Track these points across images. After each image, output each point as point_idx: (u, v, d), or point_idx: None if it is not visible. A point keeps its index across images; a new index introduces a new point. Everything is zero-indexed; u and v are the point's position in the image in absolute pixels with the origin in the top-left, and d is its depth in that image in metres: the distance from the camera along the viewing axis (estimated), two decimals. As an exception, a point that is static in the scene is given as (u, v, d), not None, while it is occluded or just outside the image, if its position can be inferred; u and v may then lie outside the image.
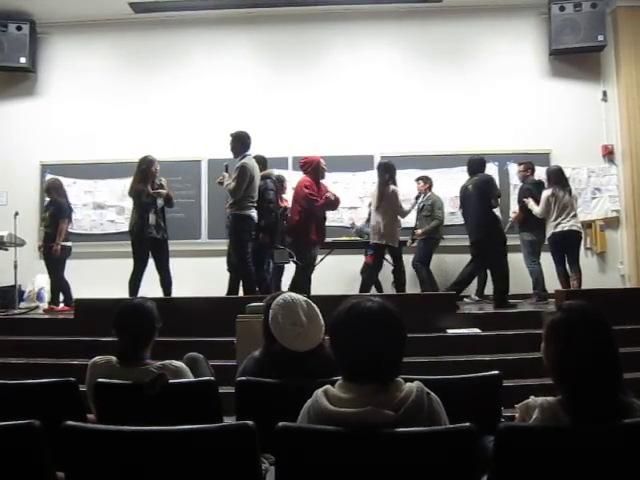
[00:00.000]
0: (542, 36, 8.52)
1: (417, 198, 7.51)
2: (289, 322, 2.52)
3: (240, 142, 6.21)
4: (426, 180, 7.64)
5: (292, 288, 6.24)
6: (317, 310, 2.59)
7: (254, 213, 6.14)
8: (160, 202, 6.30)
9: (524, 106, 8.35)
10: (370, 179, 8.37)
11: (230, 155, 6.34)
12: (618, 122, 8.39)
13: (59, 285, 7.06)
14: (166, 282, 6.27)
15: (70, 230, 7.28)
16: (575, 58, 8.44)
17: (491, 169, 8.26)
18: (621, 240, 8.27)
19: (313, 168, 6.48)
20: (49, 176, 7.93)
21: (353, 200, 8.35)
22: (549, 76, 8.57)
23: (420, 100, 8.48)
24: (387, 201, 6.54)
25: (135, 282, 6.11)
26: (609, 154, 8.39)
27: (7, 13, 8.48)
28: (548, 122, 8.27)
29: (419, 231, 7.37)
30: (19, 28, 8.47)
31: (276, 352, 2.56)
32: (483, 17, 8.54)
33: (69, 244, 7.08)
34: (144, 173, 6.32)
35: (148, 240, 6.16)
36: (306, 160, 6.61)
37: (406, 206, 6.99)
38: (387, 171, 6.64)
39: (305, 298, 2.63)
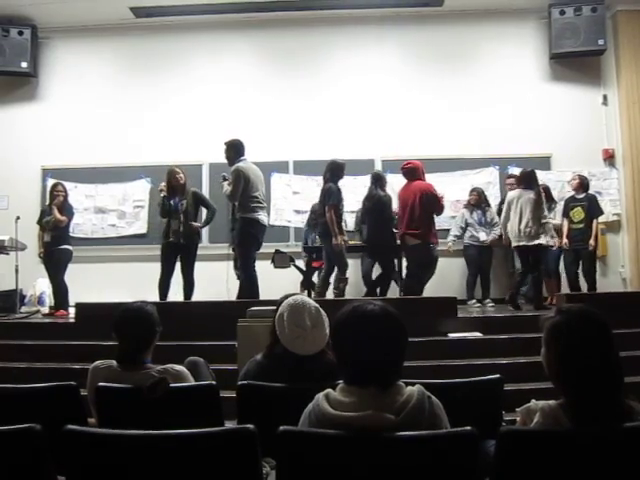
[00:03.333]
0: (542, 40, 8.54)
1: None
2: (293, 322, 2.53)
3: (233, 149, 6.24)
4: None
5: (406, 292, 6.41)
6: (325, 318, 2.58)
7: (261, 216, 6.13)
8: (181, 207, 6.45)
9: (525, 110, 8.36)
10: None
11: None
12: (619, 126, 8.40)
13: (61, 288, 7.03)
14: (185, 286, 6.45)
15: (71, 234, 7.26)
16: (575, 62, 8.46)
17: (492, 173, 8.28)
18: (622, 244, 8.26)
19: (423, 172, 6.59)
20: (52, 181, 7.91)
21: (354, 204, 8.33)
22: (549, 80, 8.59)
23: (421, 104, 8.49)
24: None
25: (161, 286, 6.34)
26: (610, 158, 8.40)
27: (9, 18, 8.50)
28: (548, 126, 8.28)
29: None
30: (21, 33, 8.49)
31: (278, 356, 2.57)
32: (484, 21, 8.56)
33: (70, 248, 7.08)
34: (167, 184, 6.54)
35: (169, 246, 6.40)
36: (412, 165, 6.58)
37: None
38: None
39: (316, 304, 2.63)
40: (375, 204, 6.70)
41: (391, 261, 6.79)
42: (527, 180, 6.43)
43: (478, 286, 7.70)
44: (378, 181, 6.83)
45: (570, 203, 7.40)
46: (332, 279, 6.63)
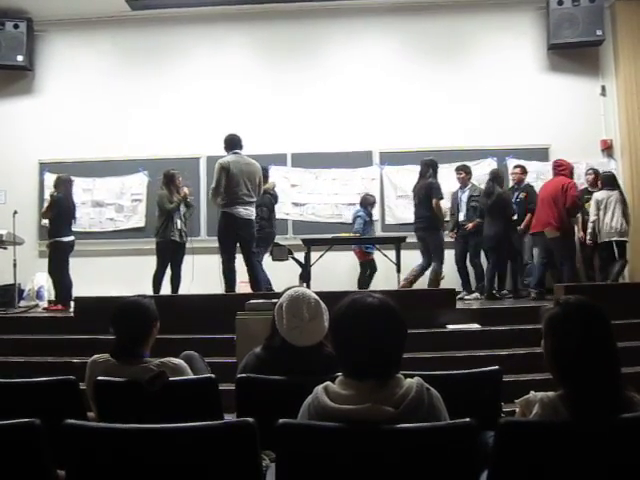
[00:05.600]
0: (540, 31, 8.51)
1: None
2: (290, 313, 2.54)
3: (225, 144, 6.35)
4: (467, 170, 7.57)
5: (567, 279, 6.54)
6: (324, 311, 2.57)
7: (239, 209, 6.09)
8: (183, 209, 6.85)
9: (522, 101, 8.34)
10: (369, 175, 8.37)
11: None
12: (617, 117, 8.39)
13: (63, 282, 7.00)
14: (176, 280, 6.77)
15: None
16: (573, 53, 8.43)
17: (490, 164, 8.27)
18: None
19: (570, 171, 6.95)
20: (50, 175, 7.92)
21: (352, 197, 8.34)
22: (547, 71, 8.57)
23: (418, 95, 8.47)
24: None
25: (158, 279, 6.63)
26: (608, 149, 8.40)
27: (4, 11, 8.45)
28: (547, 117, 8.26)
29: (470, 225, 7.34)
30: (16, 26, 8.44)
31: (277, 349, 2.57)
32: (481, 12, 8.53)
33: (71, 239, 7.04)
34: (168, 183, 6.84)
35: (171, 242, 6.67)
36: (563, 163, 6.95)
37: None
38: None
39: (316, 297, 2.62)
40: (495, 201, 6.98)
41: (505, 258, 7.11)
42: (610, 182, 7.16)
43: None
44: (496, 178, 7.12)
45: (585, 196, 7.45)
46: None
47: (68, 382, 2.45)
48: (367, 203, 7.90)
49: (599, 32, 8.12)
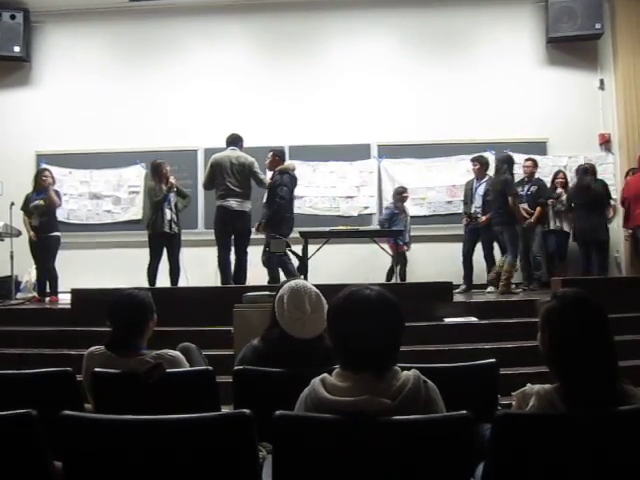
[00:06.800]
0: (539, 24, 8.48)
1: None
2: (292, 305, 2.55)
3: (226, 142, 6.60)
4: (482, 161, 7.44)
5: None
6: (324, 305, 2.57)
7: (230, 202, 6.30)
8: (172, 199, 6.71)
9: (521, 94, 8.32)
10: (367, 168, 8.36)
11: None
12: (615, 111, 8.38)
13: (52, 275, 7.02)
14: (174, 272, 6.70)
15: (66, 220, 7.25)
16: (572, 46, 8.41)
17: (488, 158, 8.26)
18: (618, 228, 8.25)
19: None
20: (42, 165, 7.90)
21: (350, 189, 8.33)
22: (546, 64, 8.54)
23: (417, 88, 8.44)
24: None
25: (152, 272, 6.59)
26: (606, 143, 8.39)
27: (0, 2, 8.40)
28: (545, 110, 8.24)
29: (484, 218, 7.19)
30: (13, 17, 8.39)
31: (275, 341, 2.57)
32: (480, 5, 8.49)
33: (59, 234, 7.05)
34: (154, 174, 6.80)
35: (162, 234, 6.58)
36: None
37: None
38: None
39: (316, 290, 2.64)
40: (585, 194, 7.12)
41: (604, 250, 7.25)
42: None
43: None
44: (587, 172, 7.21)
45: None
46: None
47: (65, 374, 2.46)
48: (395, 194, 7.85)
49: (598, 26, 8.10)
